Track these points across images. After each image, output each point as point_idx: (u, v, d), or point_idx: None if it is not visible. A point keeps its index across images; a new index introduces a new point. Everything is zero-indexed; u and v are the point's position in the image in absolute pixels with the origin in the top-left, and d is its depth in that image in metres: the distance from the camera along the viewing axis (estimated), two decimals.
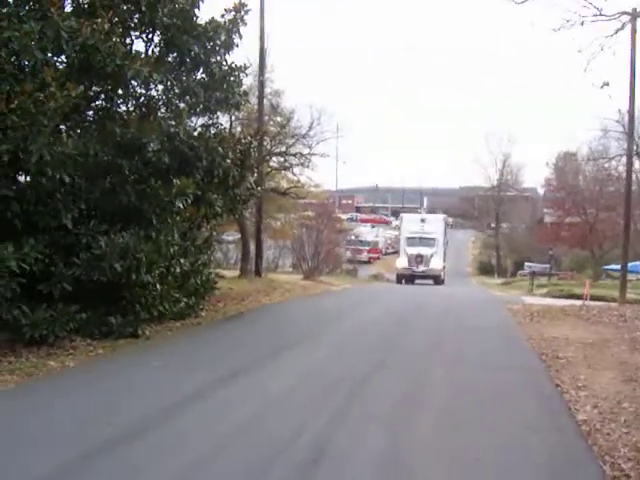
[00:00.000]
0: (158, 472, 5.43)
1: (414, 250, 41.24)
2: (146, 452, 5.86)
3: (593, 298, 24.68)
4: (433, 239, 42.26)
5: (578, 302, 21.57)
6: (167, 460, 5.66)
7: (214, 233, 34.63)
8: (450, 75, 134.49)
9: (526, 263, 52.50)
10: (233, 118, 25.15)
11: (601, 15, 13.00)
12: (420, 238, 42.05)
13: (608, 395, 8.16)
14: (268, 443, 6.11)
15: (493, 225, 69.09)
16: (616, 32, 13.00)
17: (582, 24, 12.99)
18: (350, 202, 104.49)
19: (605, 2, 14.36)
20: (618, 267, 31.37)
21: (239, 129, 24.65)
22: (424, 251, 41.06)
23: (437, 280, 40.56)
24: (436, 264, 41.27)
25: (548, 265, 47.74)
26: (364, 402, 7.80)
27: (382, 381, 8.88)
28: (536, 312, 17.24)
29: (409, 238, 42.83)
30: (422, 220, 44.95)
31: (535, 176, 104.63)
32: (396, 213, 79.04)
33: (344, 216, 73.71)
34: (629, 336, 12.92)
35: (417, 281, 40.29)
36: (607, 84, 12.97)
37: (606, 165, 41.25)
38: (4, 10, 10.46)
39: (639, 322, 15.27)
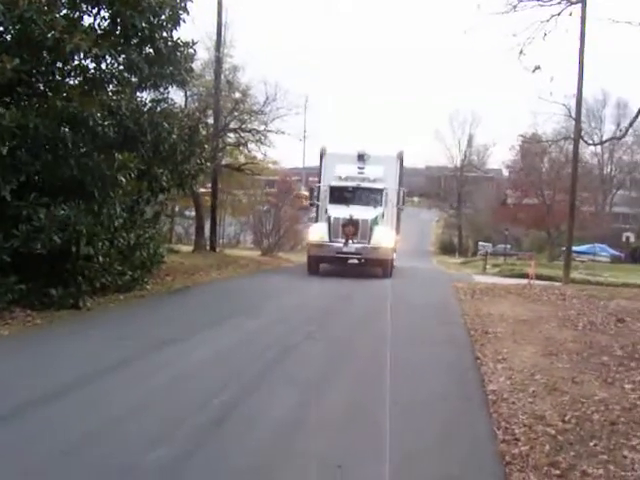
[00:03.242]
0: (75, 427, 5.72)
1: (343, 211, 21.82)
2: (64, 410, 6.17)
3: (542, 278, 25.23)
4: (380, 191, 23.36)
5: (525, 281, 22.12)
6: (83, 418, 5.95)
7: (174, 208, 34.79)
8: (414, 52, 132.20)
9: (480, 243, 53.18)
10: (188, 94, 25.22)
11: (537, 0, 13.33)
12: (355, 189, 23.28)
13: (524, 368, 8.50)
14: (185, 403, 6.47)
15: (455, 205, 69.85)
16: (551, 17, 13.31)
17: (515, 8, 13.33)
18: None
19: None
20: (575, 248, 32.21)
21: (196, 105, 24.74)
22: (362, 214, 21.81)
23: (385, 268, 21.84)
24: (384, 238, 21.84)
25: (508, 245, 48.51)
26: (285, 368, 8.14)
27: (307, 350, 9.24)
28: (479, 290, 17.71)
29: (335, 189, 23.52)
30: (360, 157, 24.45)
31: (502, 157, 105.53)
32: None
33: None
34: (562, 314, 13.38)
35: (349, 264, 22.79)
36: (539, 68, 13.29)
37: (565, 147, 41.87)
38: None
39: (576, 301, 15.80)
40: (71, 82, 13.12)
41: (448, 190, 73.37)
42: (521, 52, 13.52)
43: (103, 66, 13.32)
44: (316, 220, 24.87)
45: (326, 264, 22.55)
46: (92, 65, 13.17)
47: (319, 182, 25.29)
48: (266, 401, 6.70)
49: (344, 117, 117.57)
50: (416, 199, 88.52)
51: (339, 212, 21.85)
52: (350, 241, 21.25)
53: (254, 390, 7.12)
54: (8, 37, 11.08)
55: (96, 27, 13.20)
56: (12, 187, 10.86)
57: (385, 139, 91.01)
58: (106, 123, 12.19)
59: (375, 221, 22.16)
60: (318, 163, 25.88)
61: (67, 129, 11.89)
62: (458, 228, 67.94)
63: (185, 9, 13.59)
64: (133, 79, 13.98)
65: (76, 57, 11.95)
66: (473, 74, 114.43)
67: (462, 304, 14.97)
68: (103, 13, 13.26)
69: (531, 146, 46.44)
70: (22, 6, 10.08)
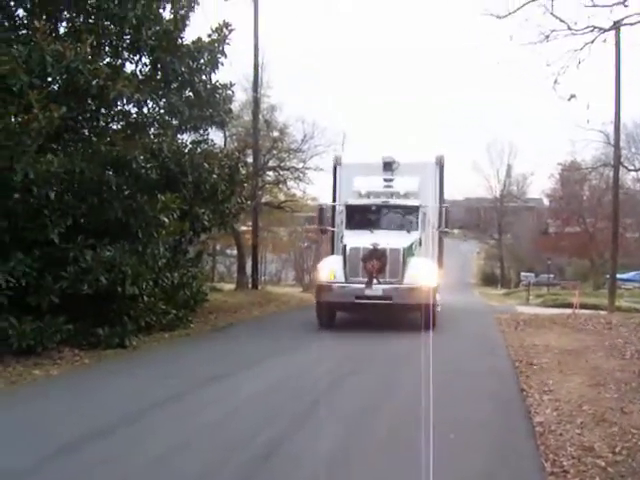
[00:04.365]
0: (121, 465, 5.80)
1: (364, 239, 15.79)
2: (111, 448, 6.27)
3: (587, 307, 24.89)
4: (414, 210, 17.26)
5: (569, 311, 21.84)
6: (129, 456, 6.04)
7: (216, 247, 35.22)
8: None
9: (522, 273, 52.65)
10: (227, 134, 25.74)
11: (569, 29, 13.38)
12: (381, 208, 17.56)
13: (571, 399, 8.35)
14: (231, 439, 6.51)
15: (496, 236, 69.40)
16: (585, 46, 13.33)
17: (547, 38, 13.38)
18: None
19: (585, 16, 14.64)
20: (620, 276, 31.70)
21: (235, 145, 25.20)
22: (391, 241, 15.70)
23: (425, 316, 14.18)
24: (423, 275, 15.52)
25: (551, 275, 47.95)
26: (330, 404, 8.16)
27: (350, 386, 9.24)
28: (523, 321, 17.51)
29: (354, 209, 17.53)
30: (386, 166, 18.29)
31: (542, 186, 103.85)
32: None
33: None
34: (609, 343, 13.13)
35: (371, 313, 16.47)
36: (574, 96, 13.27)
37: (605, 174, 41.53)
38: None
39: (623, 329, 15.49)
40: (115, 127, 13.60)
41: (488, 221, 72.96)
42: (555, 81, 13.53)
43: (145, 110, 13.81)
44: (332, 252, 18.66)
45: (342, 309, 16.36)
46: (134, 110, 13.69)
47: (334, 201, 18.80)
48: (312, 436, 6.73)
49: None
50: (456, 231, 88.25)
51: (359, 240, 15.55)
52: (374, 280, 14.89)
53: (299, 426, 7.16)
54: (56, 87, 11.55)
55: (138, 73, 13.72)
56: (60, 230, 11.21)
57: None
58: (149, 165, 12.60)
59: (410, 251, 15.72)
60: (332, 177, 19.41)
61: (112, 172, 12.31)
62: (499, 259, 67.45)
63: (223, 52, 14.00)
64: (174, 122, 14.45)
65: (119, 103, 12.38)
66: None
67: (506, 336, 14.80)
68: (144, 59, 13.80)
69: (571, 174, 46.12)
70: (69, 57, 10.52)
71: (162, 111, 14.19)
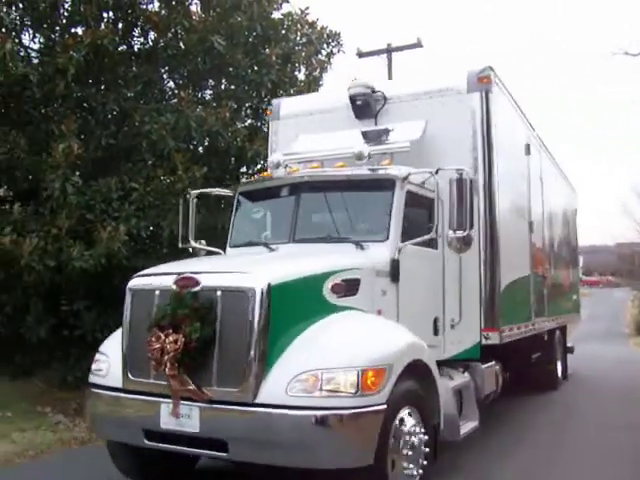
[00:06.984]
0: None
1: (198, 265, 6.50)
2: None
3: None
4: (383, 190, 6.94)
5: None
6: None
7: None
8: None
9: None
10: None
11: None
12: (301, 192, 7.32)
13: None
14: None
15: None
16: None
17: None
18: None
19: None
20: None
21: None
22: (257, 269, 5.74)
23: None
24: (328, 369, 5.03)
25: None
26: None
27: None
28: None
29: (247, 197, 8.34)
30: (360, 108, 8.25)
31: None
32: None
33: None
34: None
35: None
36: None
37: None
38: (148, 107, 12.16)
39: None
40: None
41: None
42: None
43: None
44: None
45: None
46: None
47: None
48: None
49: None
50: (611, 278, 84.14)
51: (173, 269, 6.08)
52: (178, 388, 5.27)
53: None
54: (200, 149, 12.54)
55: None
56: None
57: None
58: None
59: (309, 297, 5.80)
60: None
61: None
62: None
63: None
64: None
65: (258, 160, 13.18)
66: None
67: None
68: None
69: None
70: (210, 122, 11.44)
71: None
